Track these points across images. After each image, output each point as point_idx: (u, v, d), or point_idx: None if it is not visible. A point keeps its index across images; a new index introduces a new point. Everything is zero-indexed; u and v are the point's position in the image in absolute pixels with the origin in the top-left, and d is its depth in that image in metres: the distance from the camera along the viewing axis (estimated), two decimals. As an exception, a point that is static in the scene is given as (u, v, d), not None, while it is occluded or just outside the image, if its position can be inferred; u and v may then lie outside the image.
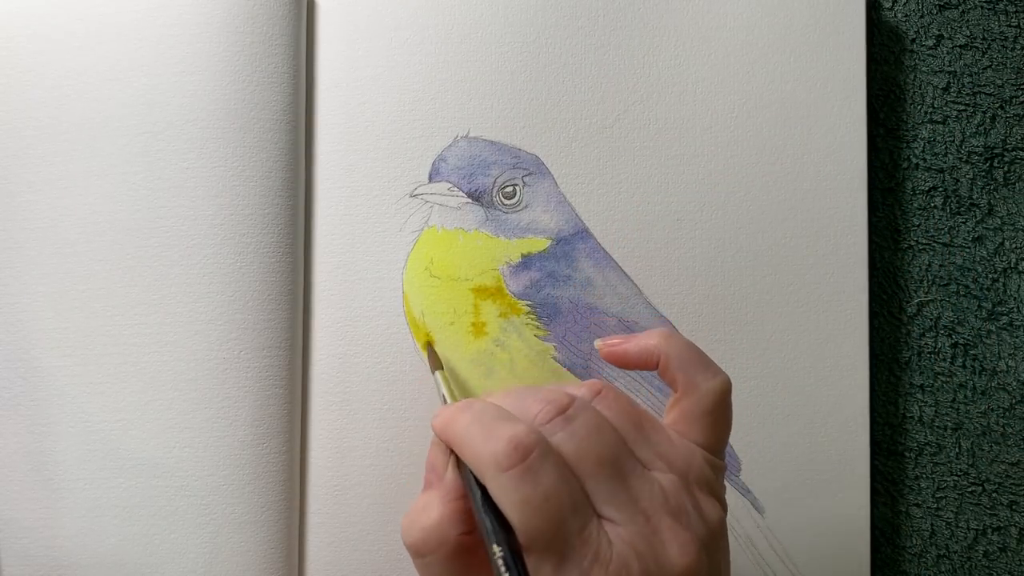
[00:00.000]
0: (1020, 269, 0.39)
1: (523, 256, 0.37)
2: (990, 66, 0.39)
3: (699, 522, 0.24)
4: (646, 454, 0.25)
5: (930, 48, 0.39)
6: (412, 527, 0.25)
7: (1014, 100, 0.39)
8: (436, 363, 0.35)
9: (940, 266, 0.39)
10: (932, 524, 0.38)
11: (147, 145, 0.35)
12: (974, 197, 0.39)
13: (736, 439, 0.37)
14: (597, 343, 0.30)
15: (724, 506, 0.26)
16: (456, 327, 0.36)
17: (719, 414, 0.27)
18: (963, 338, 0.39)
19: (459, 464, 0.26)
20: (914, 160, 0.39)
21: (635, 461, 0.25)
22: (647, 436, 0.26)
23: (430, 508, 0.26)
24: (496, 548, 0.23)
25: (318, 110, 0.37)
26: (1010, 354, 0.38)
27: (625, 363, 0.29)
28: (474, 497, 0.25)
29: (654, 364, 0.28)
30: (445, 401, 0.32)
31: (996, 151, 0.39)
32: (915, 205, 0.39)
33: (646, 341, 0.28)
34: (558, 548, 0.23)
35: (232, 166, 0.35)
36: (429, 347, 0.36)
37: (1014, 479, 0.38)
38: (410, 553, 0.26)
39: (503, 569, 0.23)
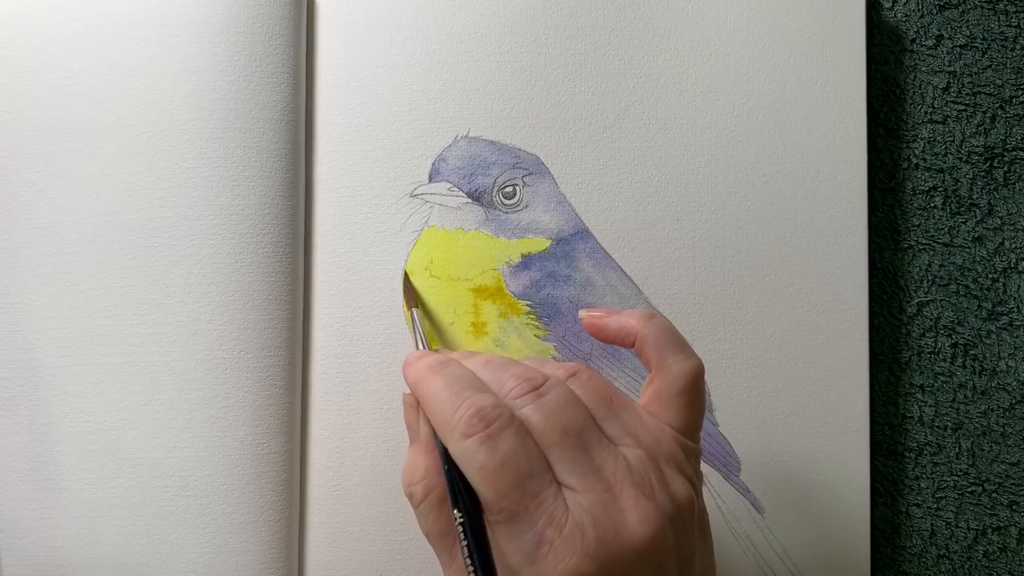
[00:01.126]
0: (1020, 269, 0.39)
1: (523, 256, 0.37)
2: (990, 66, 0.39)
3: (665, 497, 0.25)
4: (615, 430, 0.26)
5: (930, 48, 0.39)
6: (404, 480, 0.28)
7: (1014, 100, 0.39)
8: (413, 299, 0.35)
9: (940, 266, 0.39)
10: (932, 524, 0.38)
11: (147, 145, 0.35)
12: (974, 197, 0.39)
13: (736, 439, 0.37)
14: (581, 312, 0.31)
15: (696, 488, 0.27)
16: (456, 327, 0.36)
17: (691, 396, 0.28)
18: (963, 338, 0.39)
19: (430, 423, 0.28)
20: (914, 160, 0.39)
21: (601, 435, 0.26)
22: (617, 413, 0.27)
23: (416, 460, 0.28)
24: (456, 513, 0.25)
25: (318, 110, 0.37)
26: (1010, 354, 0.38)
27: (603, 335, 0.30)
28: (441, 458, 0.27)
29: (630, 342, 0.29)
30: (419, 345, 0.33)
31: (996, 151, 0.39)
32: (915, 205, 0.39)
33: (626, 319, 0.29)
34: (513, 510, 0.24)
35: (232, 166, 0.35)
36: (406, 278, 0.36)
37: (1014, 479, 0.38)
38: (410, 502, 0.28)
39: (459, 532, 0.25)
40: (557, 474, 0.24)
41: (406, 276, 0.36)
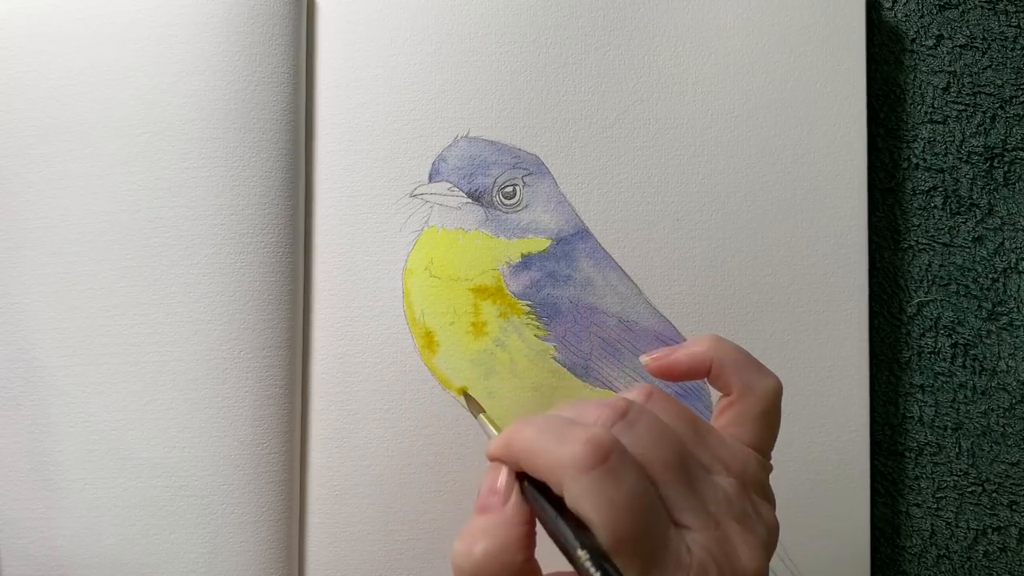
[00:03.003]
0: (1020, 269, 0.39)
1: (523, 256, 0.37)
2: (990, 66, 0.39)
3: (761, 527, 0.24)
4: (706, 457, 0.25)
5: (930, 48, 0.39)
6: (473, 549, 0.24)
7: (1014, 100, 0.39)
8: (476, 407, 0.35)
9: (940, 266, 0.39)
10: (932, 524, 0.38)
11: (147, 145, 0.35)
12: (974, 197, 0.39)
13: (736, 439, 0.37)
14: (643, 359, 0.29)
15: (774, 507, 0.26)
16: (456, 327, 0.36)
17: (772, 415, 0.27)
18: (963, 338, 0.39)
19: (522, 484, 0.25)
20: (914, 160, 0.39)
21: (698, 465, 0.24)
22: (703, 439, 0.25)
23: (493, 532, 0.24)
24: (581, 552, 0.22)
25: (318, 110, 0.37)
26: (1010, 354, 0.38)
27: (675, 374, 0.28)
28: (545, 510, 0.24)
29: (706, 371, 0.28)
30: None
31: (996, 151, 0.39)
32: (915, 205, 0.39)
33: (695, 348, 0.28)
34: (644, 551, 0.22)
35: (232, 166, 0.35)
36: (466, 395, 0.36)
37: (1014, 479, 0.38)
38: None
39: (592, 568, 0.22)
40: (670, 510, 0.23)
41: (466, 393, 0.36)
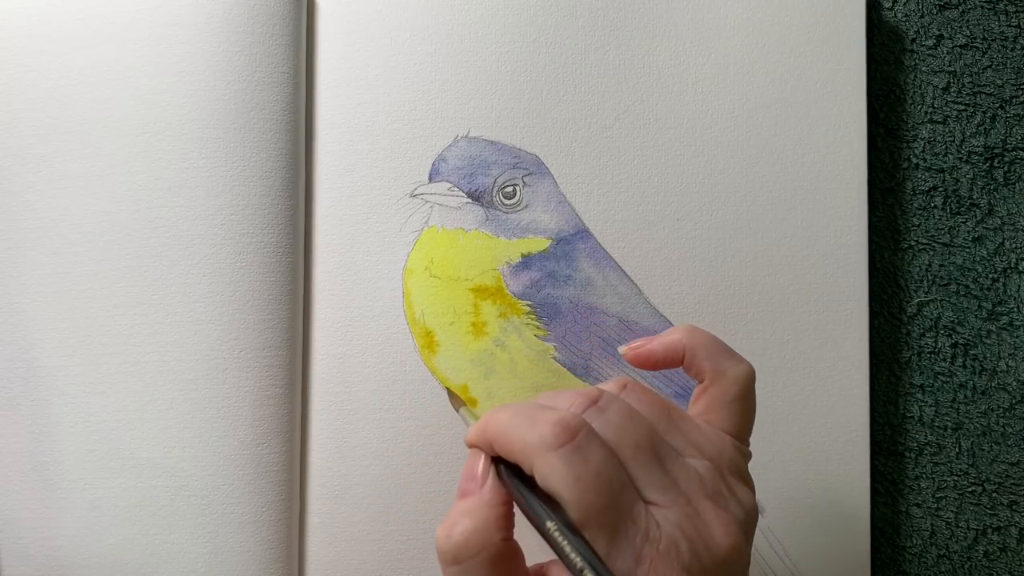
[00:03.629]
0: (1020, 269, 0.39)
1: (523, 256, 0.37)
2: (990, 66, 0.39)
3: (736, 506, 0.25)
4: (678, 441, 0.26)
5: (930, 48, 0.39)
6: (452, 532, 0.25)
7: (1014, 100, 0.39)
8: (457, 401, 0.35)
9: (940, 266, 0.39)
10: (932, 524, 0.38)
11: (147, 145, 0.35)
12: (974, 197, 0.39)
13: (736, 439, 0.37)
14: (621, 349, 0.30)
15: (753, 491, 0.27)
16: (456, 327, 0.36)
17: (746, 400, 0.28)
18: (963, 338, 0.39)
19: (498, 467, 0.26)
20: (914, 160, 0.39)
21: (669, 447, 0.25)
22: (676, 425, 0.26)
23: (472, 513, 0.25)
24: (550, 524, 0.23)
25: (318, 110, 0.37)
26: (1010, 354, 0.38)
27: (652, 362, 0.29)
28: (519, 489, 0.25)
29: (680, 359, 0.29)
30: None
31: (996, 151, 0.39)
32: (915, 205, 0.39)
33: (669, 337, 0.29)
34: (611, 523, 0.23)
35: (232, 166, 0.35)
36: (448, 390, 0.36)
37: (1014, 479, 0.38)
38: (445, 560, 0.25)
39: (560, 537, 0.23)
40: (639, 489, 0.24)
41: (448, 390, 0.36)
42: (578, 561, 0.23)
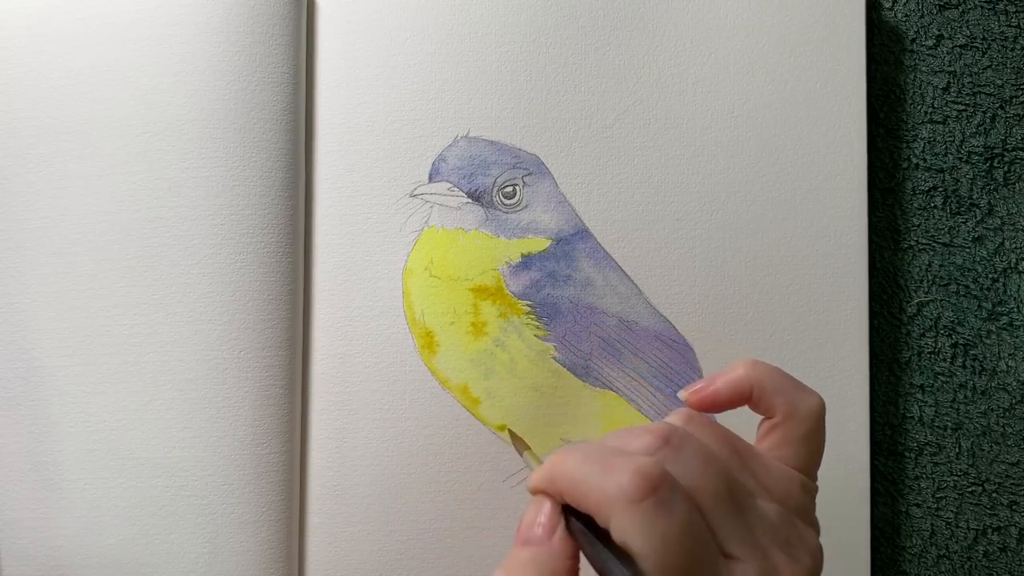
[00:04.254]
0: (1020, 269, 0.39)
1: (523, 256, 0.37)
2: (990, 66, 0.39)
3: (805, 554, 0.24)
4: (750, 483, 0.24)
5: (930, 48, 0.39)
6: None
7: (1014, 100, 0.39)
8: (521, 445, 0.34)
9: (940, 266, 0.39)
10: (932, 524, 0.38)
11: (147, 145, 0.35)
12: (974, 197, 0.39)
13: (736, 439, 0.37)
14: (682, 394, 0.28)
15: (818, 532, 0.26)
16: (456, 327, 0.36)
17: (817, 435, 0.27)
18: (963, 338, 0.39)
19: (567, 518, 0.25)
20: (914, 160, 0.39)
21: (744, 491, 0.24)
22: (747, 463, 0.25)
23: (537, 563, 0.23)
24: None
25: (318, 110, 0.37)
26: (1010, 354, 0.38)
27: (717, 405, 0.27)
28: (592, 543, 0.23)
29: (746, 397, 0.27)
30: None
31: (996, 151, 0.39)
32: (915, 205, 0.39)
33: (733, 375, 0.27)
34: None
35: (232, 166, 0.35)
36: (510, 432, 0.35)
37: (1014, 479, 0.38)
38: None
39: None
40: (719, 541, 0.23)
41: (510, 431, 0.36)
42: None
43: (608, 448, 0.24)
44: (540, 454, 0.36)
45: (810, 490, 0.26)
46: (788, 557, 0.23)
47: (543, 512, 0.24)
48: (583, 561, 0.24)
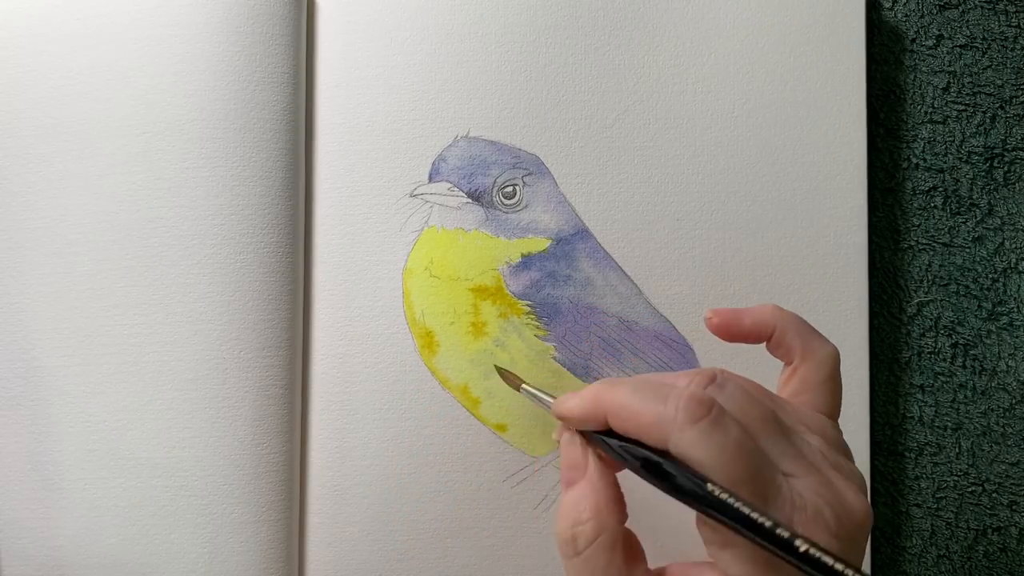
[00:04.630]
0: (1020, 269, 0.39)
1: (523, 256, 0.37)
2: (990, 66, 0.39)
3: (852, 475, 0.25)
4: (789, 419, 0.26)
5: (930, 48, 0.39)
6: (567, 522, 0.25)
7: (1014, 100, 0.39)
8: (516, 380, 0.34)
9: (940, 266, 0.39)
10: (932, 524, 0.38)
11: (147, 145, 0.35)
12: (974, 197, 0.39)
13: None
14: (708, 312, 0.29)
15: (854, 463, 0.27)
16: (456, 327, 0.36)
17: (835, 380, 0.28)
18: (963, 338, 0.39)
19: (603, 448, 0.26)
20: (914, 160, 0.39)
21: (786, 424, 0.25)
22: (781, 405, 0.26)
23: (583, 500, 0.25)
24: (712, 487, 0.23)
25: (318, 110, 0.37)
26: (1010, 354, 0.38)
27: (734, 332, 0.29)
28: (625, 450, 0.25)
29: (766, 335, 0.29)
30: (550, 400, 0.31)
31: (996, 151, 0.39)
32: (915, 205, 0.39)
33: (758, 313, 0.29)
34: (760, 492, 0.23)
35: (232, 166, 0.35)
36: (498, 369, 0.36)
37: (1014, 479, 0.38)
38: (567, 553, 0.25)
39: (731, 500, 0.22)
40: (773, 460, 0.24)
41: (499, 368, 0.36)
42: (754, 513, 0.22)
43: (656, 382, 0.26)
44: (539, 454, 0.36)
45: (839, 430, 0.27)
46: (840, 475, 0.25)
47: (575, 452, 0.27)
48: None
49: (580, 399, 0.26)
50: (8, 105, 0.36)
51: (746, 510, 0.22)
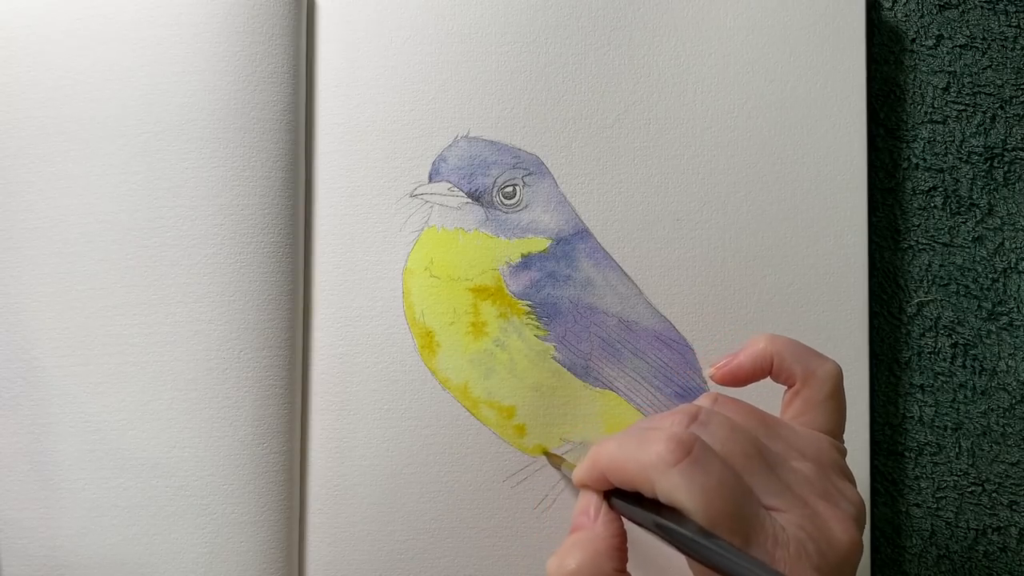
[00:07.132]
0: (1020, 269, 0.39)
1: (523, 256, 0.37)
2: (990, 66, 0.39)
3: (846, 503, 0.25)
4: (780, 447, 0.26)
5: (930, 48, 0.39)
6: (564, 561, 0.25)
7: (1014, 100, 0.39)
8: (558, 461, 0.35)
9: (940, 266, 0.39)
10: (932, 524, 0.38)
11: (147, 145, 0.35)
12: (974, 197, 0.39)
13: (736, 439, 0.37)
14: (708, 371, 0.30)
15: (855, 485, 0.27)
16: (456, 327, 0.36)
17: (838, 398, 0.28)
18: (963, 338, 0.39)
19: (610, 500, 0.26)
20: (914, 160, 0.39)
21: (774, 453, 0.26)
22: (775, 431, 0.27)
23: (583, 544, 0.26)
24: (700, 538, 0.23)
25: (318, 110, 0.37)
26: (1010, 354, 0.38)
27: (741, 378, 0.29)
28: (634, 512, 0.25)
29: (768, 368, 0.29)
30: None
31: (996, 151, 0.39)
32: (915, 205, 0.39)
33: (753, 348, 0.29)
34: (742, 529, 0.23)
35: (232, 166, 0.35)
36: (546, 453, 0.36)
37: (1014, 479, 0.38)
38: None
39: (701, 539, 0.23)
40: (757, 496, 0.24)
41: (545, 452, 0.36)
42: (734, 560, 0.22)
43: (640, 428, 0.26)
44: (540, 454, 0.36)
45: (840, 450, 0.28)
46: (830, 504, 0.25)
47: (587, 501, 0.27)
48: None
49: (582, 466, 0.27)
50: (8, 105, 0.36)
51: (724, 553, 0.22)
